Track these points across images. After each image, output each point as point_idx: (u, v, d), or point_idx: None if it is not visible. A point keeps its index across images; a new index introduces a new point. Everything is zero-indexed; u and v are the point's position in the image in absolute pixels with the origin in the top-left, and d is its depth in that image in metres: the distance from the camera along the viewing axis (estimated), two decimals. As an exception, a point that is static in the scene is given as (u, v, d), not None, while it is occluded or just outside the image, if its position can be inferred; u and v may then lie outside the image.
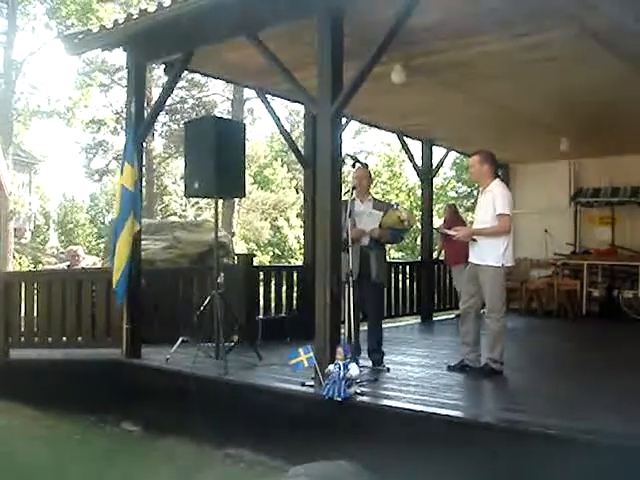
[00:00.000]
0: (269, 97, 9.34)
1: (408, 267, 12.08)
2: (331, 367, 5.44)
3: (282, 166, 39.62)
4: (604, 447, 4.17)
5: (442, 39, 6.84)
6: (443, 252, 11.98)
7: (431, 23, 6.36)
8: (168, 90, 8.11)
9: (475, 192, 23.62)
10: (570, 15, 6.06)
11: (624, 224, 12.71)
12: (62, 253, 11.84)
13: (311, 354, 5.63)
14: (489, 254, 6.33)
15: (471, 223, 7.70)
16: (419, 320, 11.73)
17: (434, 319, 11.85)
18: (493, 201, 6.38)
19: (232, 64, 7.82)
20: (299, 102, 9.79)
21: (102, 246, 24.70)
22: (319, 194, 5.99)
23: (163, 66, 8.07)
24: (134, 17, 6.83)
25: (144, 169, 29.97)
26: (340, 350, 5.48)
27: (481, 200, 6.67)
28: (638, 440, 4.15)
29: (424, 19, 6.14)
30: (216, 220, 7.56)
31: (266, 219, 35.39)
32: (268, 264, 28.10)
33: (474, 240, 6.49)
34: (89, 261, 12.57)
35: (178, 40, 7.06)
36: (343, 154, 6.17)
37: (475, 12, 6.12)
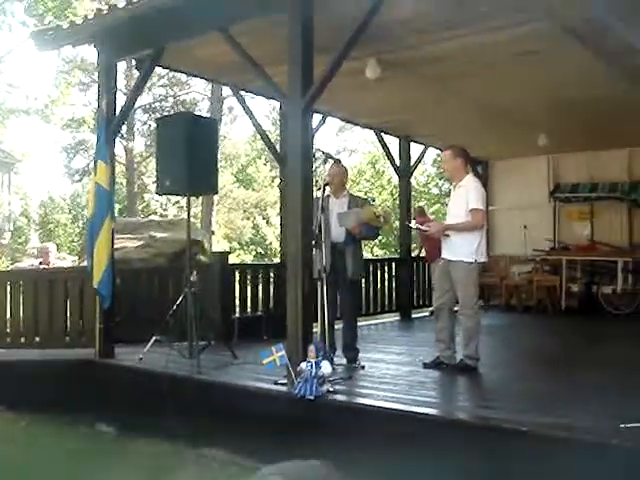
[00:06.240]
0: (246, 94, 9.27)
1: (386, 264, 12.05)
2: (303, 365, 5.40)
3: (265, 164, 39.45)
4: (580, 444, 4.13)
5: (416, 33, 6.79)
6: (423, 249, 11.96)
7: (404, 16, 6.30)
8: (140, 86, 8.02)
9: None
10: (547, 9, 6.02)
11: (603, 220, 12.72)
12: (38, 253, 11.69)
13: (282, 352, 5.57)
14: (462, 250, 6.29)
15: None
16: (398, 317, 11.72)
17: (413, 316, 11.80)
18: (466, 196, 6.34)
19: (204, 60, 7.73)
20: (274, 98, 9.73)
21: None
22: (289, 190, 5.95)
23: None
24: (103, 13, 6.76)
25: (125, 168, 29.96)
26: (312, 348, 5.44)
27: (454, 195, 6.62)
28: (613, 437, 4.11)
29: (396, 12, 6.09)
30: (188, 218, 7.51)
31: (248, 218, 35.25)
32: (249, 262, 28.00)
33: (447, 235, 6.44)
34: (70, 261, 12.47)
35: (148, 36, 6.99)
36: (314, 150, 6.12)
37: (449, 5, 6.06)
